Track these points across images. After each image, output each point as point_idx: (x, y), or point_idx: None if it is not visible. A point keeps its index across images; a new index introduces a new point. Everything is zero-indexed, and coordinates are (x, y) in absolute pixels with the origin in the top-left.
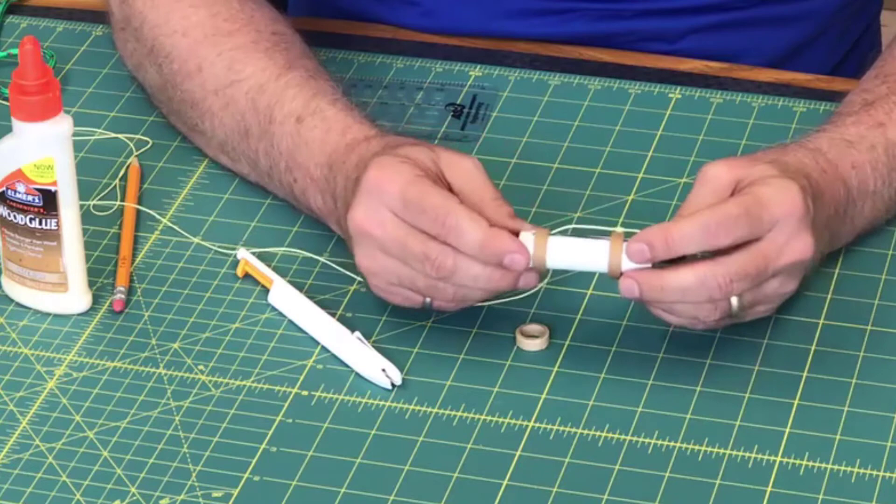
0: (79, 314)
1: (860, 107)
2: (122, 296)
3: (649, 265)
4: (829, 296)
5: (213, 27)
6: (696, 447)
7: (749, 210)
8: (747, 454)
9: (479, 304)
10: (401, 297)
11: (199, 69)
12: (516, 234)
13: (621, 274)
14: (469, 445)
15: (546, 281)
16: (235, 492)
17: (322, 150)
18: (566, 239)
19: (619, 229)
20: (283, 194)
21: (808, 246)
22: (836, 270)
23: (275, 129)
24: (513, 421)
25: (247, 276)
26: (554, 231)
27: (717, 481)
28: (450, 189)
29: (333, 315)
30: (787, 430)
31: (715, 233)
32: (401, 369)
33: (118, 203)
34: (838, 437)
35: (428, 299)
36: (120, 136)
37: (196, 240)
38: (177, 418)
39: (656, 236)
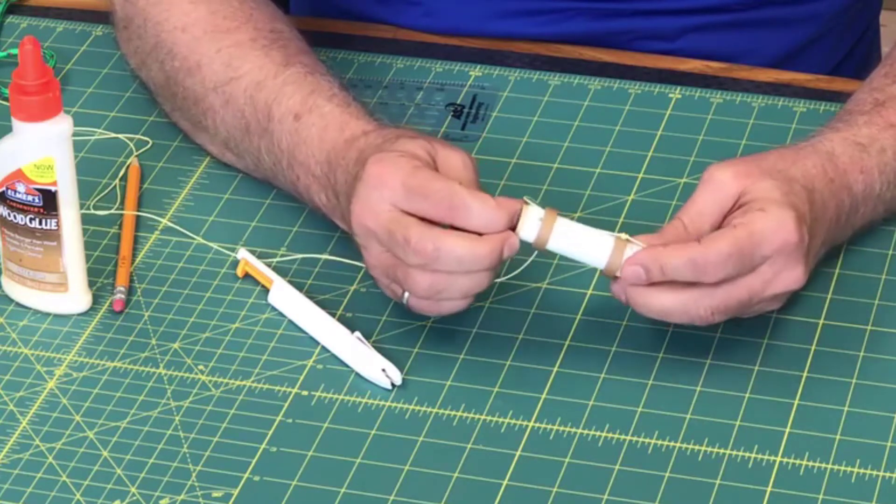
0: (79, 314)
1: (871, 106)
2: (122, 296)
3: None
4: (829, 296)
5: (213, 24)
6: (696, 447)
7: (741, 249)
8: (747, 454)
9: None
10: (390, 290)
11: (199, 66)
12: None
13: (615, 276)
14: (469, 445)
15: (546, 281)
16: (235, 492)
17: (321, 148)
18: (573, 225)
19: (623, 235)
20: (289, 191)
21: (798, 277)
22: (836, 270)
23: (274, 126)
24: (513, 421)
25: (247, 276)
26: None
27: (717, 481)
28: None
29: (333, 315)
30: (787, 430)
31: (703, 269)
32: (401, 369)
33: (118, 205)
34: (838, 437)
35: (406, 294)
36: (120, 136)
37: (196, 240)
38: (177, 418)
39: (652, 263)
